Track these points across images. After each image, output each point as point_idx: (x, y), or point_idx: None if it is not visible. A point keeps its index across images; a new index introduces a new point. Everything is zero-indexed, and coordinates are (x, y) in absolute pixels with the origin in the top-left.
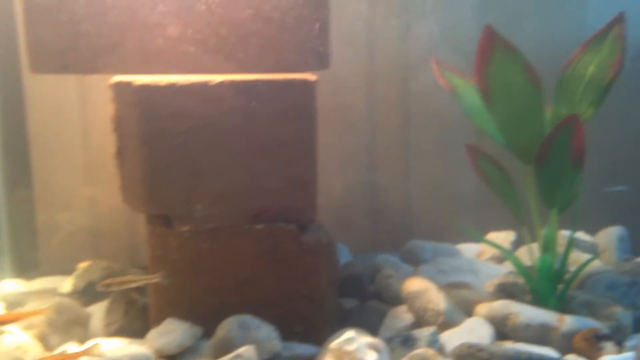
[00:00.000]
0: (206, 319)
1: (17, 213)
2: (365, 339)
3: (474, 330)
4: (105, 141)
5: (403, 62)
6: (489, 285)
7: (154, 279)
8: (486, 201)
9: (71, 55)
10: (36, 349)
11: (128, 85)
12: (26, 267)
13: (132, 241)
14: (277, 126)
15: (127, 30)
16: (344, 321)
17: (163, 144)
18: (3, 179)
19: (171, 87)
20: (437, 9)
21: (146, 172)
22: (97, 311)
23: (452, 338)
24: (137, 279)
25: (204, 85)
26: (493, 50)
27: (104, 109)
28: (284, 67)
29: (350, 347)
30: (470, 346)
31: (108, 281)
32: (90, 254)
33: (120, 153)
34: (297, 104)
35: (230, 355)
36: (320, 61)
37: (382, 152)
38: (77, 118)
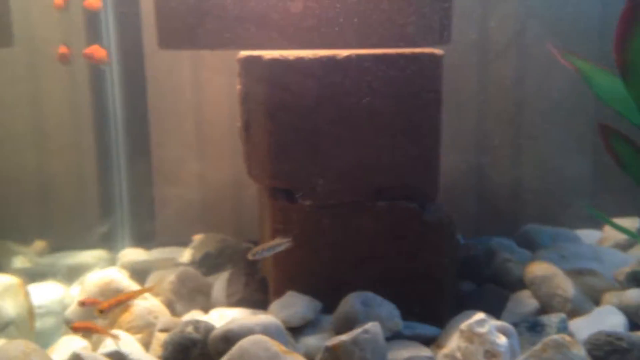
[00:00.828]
0: (324, 294)
1: (137, 185)
2: (495, 322)
3: (605, 319)
4: (216, 117)
5: (518, 40)
6: (618, 274)
7: (287, 242)
8: (602, 186)
9: (198, 31)
10: (166, 314)
11: (257, 59)
12: (144, 237)
13: (238, 215)
14: (402, 101)
15: (251, 5)
16: (463, 304)
17: (289, 118)
18: (125, 153)
19: (300, 61)
20: None
21: (272, 146)
22: (217, 282)
23: (582, 326)
24: (277, 243)
25: (331, 59)
26: (636, 22)
27: (215, 86)
28: (405, 41)
29: (482, 330)
30: (608, 334)
31: (256, 249)
32: (200, 226)
33: (246, 127)
34: (424, 78)
35: (358, 330)
36: (442, 36)
37: (492, 133)
38: (190, 94)
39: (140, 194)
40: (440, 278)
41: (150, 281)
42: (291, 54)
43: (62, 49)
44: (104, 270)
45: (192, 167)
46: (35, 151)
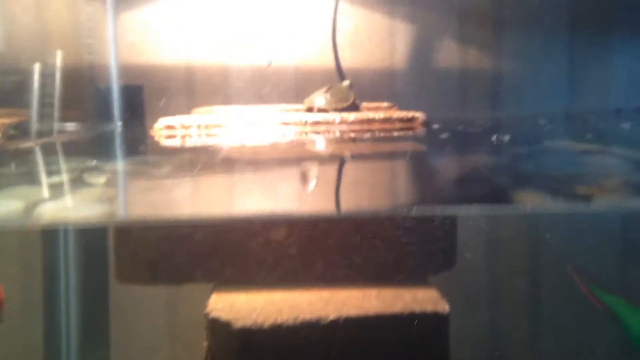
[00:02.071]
0: None
1: None
2: None
3: None
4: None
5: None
6: None
7: None
8: None
9: (163, 265)
10: None
11: (226, 325)
12: None
13: None
14: None
15: (224, 238)
16: None
17: None
18: None
19: (276, 329)
20: None
21: None
22: None
23: None
24: None
25: (313, 325)
26: None
27: (191, 315)
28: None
29: None
30: None
31: None
32: None
33: None
34: (427, 337)
35: None
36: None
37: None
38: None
39: None
40: None
41: None
42: (269, 318)
43: None
44: None
45: None
46: None
